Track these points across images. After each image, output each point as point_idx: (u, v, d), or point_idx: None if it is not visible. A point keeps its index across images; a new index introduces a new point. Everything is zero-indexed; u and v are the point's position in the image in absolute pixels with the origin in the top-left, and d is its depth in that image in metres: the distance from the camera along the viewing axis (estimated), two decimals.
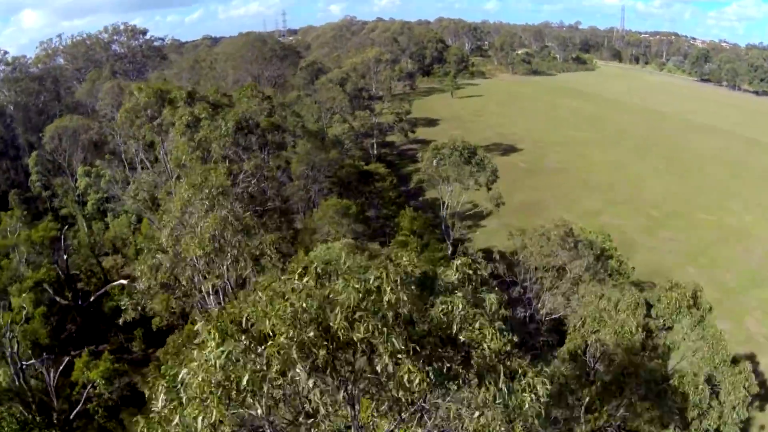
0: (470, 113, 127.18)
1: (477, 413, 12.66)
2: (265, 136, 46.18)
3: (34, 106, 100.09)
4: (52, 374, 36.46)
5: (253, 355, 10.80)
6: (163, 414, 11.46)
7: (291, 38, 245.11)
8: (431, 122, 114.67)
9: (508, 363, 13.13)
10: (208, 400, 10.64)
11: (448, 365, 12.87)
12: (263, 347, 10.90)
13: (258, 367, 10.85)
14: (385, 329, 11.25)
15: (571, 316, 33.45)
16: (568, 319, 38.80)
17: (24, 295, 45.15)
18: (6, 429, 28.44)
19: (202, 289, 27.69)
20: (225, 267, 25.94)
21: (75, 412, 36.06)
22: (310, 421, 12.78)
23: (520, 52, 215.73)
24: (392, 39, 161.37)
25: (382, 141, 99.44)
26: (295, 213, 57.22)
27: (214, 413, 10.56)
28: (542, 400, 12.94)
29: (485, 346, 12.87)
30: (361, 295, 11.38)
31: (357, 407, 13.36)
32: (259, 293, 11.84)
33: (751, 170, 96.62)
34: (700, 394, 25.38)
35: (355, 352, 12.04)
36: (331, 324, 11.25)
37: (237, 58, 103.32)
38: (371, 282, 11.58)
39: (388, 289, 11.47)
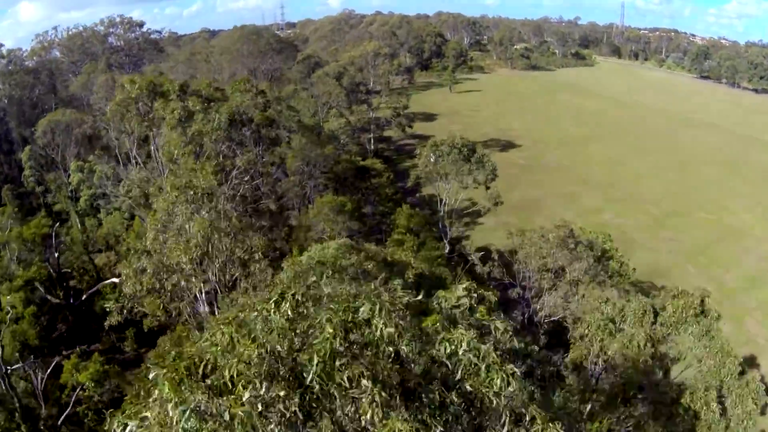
0: (469, 108, 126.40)
1: None
2: (259, 131, 45.27)
3: (28, 100, 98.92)
4: (39, 377, 35.64)
5: (214, 410, 9.14)
6: None
7: (289, 31, 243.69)
8: (429, 117, 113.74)
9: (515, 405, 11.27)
10: None
11: (446, 418, 10.83)
12: (225, 405, 9.25)
13: (220, 426, 9.22)
14: (370, 383, 9.65)
15: (575, 323, 32.63)
16: (568, 321, 38.10)
17: (14, 294, 44.33)
18: None
19: (192, 292, 26.81)
20: (212, 273, 25.07)
21: (64, 415, 35.26)
22: None
23: (519, 47, 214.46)
24: (391, 33, 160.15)
25: (380, 136, 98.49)
26: (290, 209, 56.46)
27: None
28: None
29: (493, 394, 10.88)
30: (348, 328, 9.93)
31: None
32: (222, 329, 10.19)
33: (751, 168, 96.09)
34: (712, 413, 24.67)
35: (336, 400, 10.34)
36: (305, 375, 9.69)
37: (232, 52, 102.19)
38: (360, 313, 10.10)
39: (381, 324, 9.97)
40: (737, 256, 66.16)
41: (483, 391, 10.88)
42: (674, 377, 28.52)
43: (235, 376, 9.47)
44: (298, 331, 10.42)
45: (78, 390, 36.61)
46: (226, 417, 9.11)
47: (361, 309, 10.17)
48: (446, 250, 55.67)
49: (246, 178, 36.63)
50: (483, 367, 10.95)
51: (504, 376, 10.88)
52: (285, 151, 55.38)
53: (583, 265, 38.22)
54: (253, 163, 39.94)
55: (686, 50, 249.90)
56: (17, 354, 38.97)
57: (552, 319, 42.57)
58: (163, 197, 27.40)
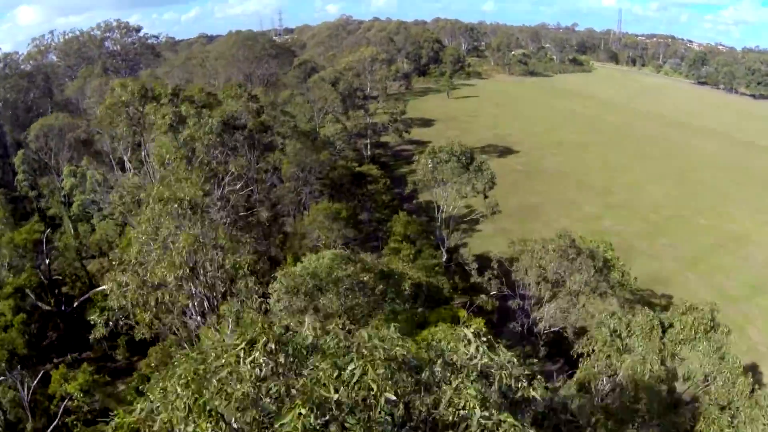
0: (466, 114, 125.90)
1: None
2: (252, 137, 44.45)
3: (23, 104, 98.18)
4: (27, 387, 34.73)
5: None
6: None
7: (287, 37, 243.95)
8: (427, 123, 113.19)
9: None
10: None
11: None
12: None
13: None
14: None
15: (577, 336, 31.76)
16: (568, 332, 37.35)
17: (3, 301, 43.45)
18: None
19: (178, 307, 25.86)
20: (200, 287, 24.17)
21: (52, 427, 34.35)
22: None
23: (516, 53, 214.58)
24: (388, 38, 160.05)
25: (376, 141, 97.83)
26: (285, 216, 55.66)
27: None
28: None
29: None
30: (337, 387, 8.39)
31: None
32: (177, 388, 8.36)
33: (751, 174, 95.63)
34: None
35: None
36: None
37: (228, 57, 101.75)
38: (350, 372, 8.55)
39: (375, 385, 8.39)
40: (738, 263, 65.43)
41: None
42: (681, 392, 27.70)
43: None
44: (272, 392, 8.80)
45: (66, 400, 35.76)
46: None
47: (349, 367, 8.61)
48: (444, 259, 54.88)
49: (239, 185, 35.77)
50: None
51: None
52: (280, 157, 54.61)
53: (583, 277, 37.41)
54: (247, 169, 39.12)
55: (683, 56, 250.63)
56: (5, 364, 38.09)
57: (552, 329, 41.79)
58: (149, 208, 26.45)
